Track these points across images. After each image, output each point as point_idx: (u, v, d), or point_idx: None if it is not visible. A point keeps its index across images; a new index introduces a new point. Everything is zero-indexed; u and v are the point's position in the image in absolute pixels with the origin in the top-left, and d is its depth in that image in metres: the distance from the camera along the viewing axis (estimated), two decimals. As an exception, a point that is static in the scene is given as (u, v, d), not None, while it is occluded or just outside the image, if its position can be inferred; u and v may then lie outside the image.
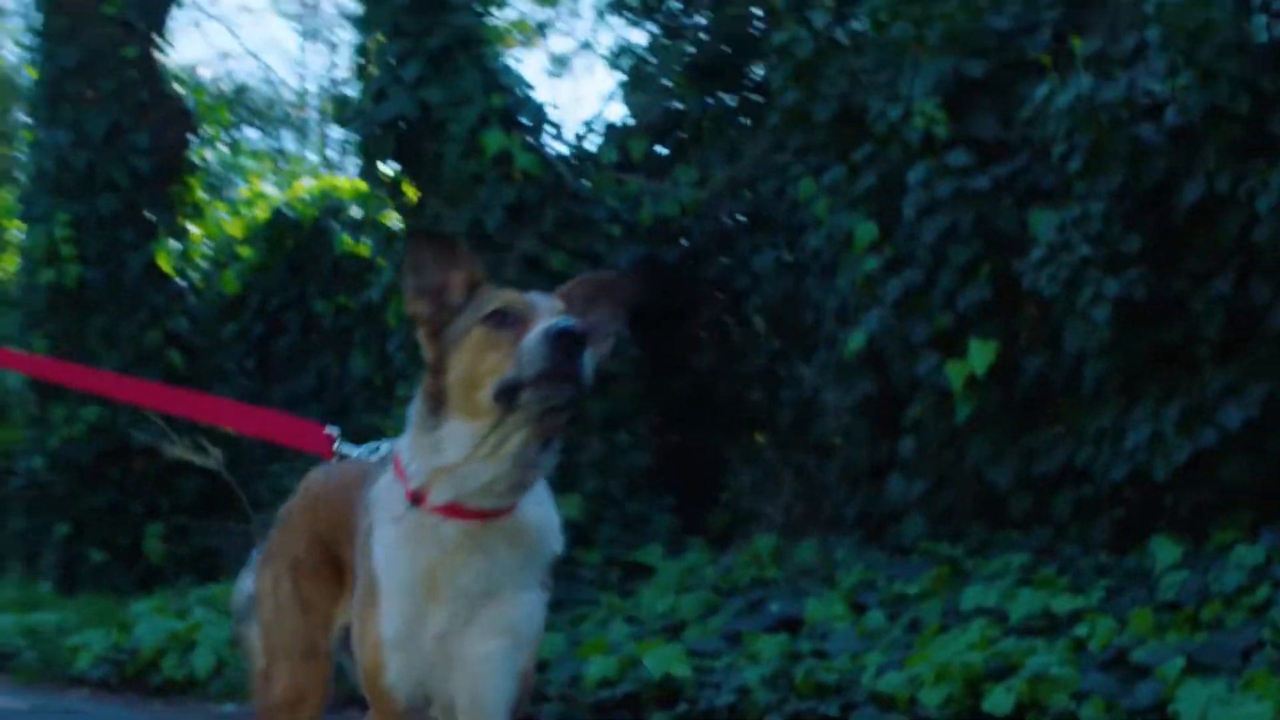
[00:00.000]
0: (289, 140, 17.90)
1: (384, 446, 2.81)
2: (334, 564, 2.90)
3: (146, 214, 11.35)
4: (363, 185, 10.56)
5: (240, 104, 18.09)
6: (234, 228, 12.63)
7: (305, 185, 12.74)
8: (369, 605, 2.63)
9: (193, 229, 11.87)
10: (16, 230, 12.12)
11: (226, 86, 18.62)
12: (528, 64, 22.10)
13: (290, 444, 3.12)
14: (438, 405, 2.56)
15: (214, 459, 9.12)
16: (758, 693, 5.86)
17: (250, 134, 18.70)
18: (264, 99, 18.42)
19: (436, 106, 8.53)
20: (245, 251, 12.56)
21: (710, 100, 9.72)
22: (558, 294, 2.68)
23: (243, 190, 14.05)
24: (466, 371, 2.53)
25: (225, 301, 12.30)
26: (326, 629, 2.92)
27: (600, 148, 9.79)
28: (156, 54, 11.55)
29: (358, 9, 9.23)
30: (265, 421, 3.21)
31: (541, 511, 2.65)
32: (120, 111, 11.27)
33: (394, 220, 9.43)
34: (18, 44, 14.97)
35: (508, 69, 8.82)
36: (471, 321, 2.56)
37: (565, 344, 2.43)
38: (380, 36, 8.74)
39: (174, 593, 9.55)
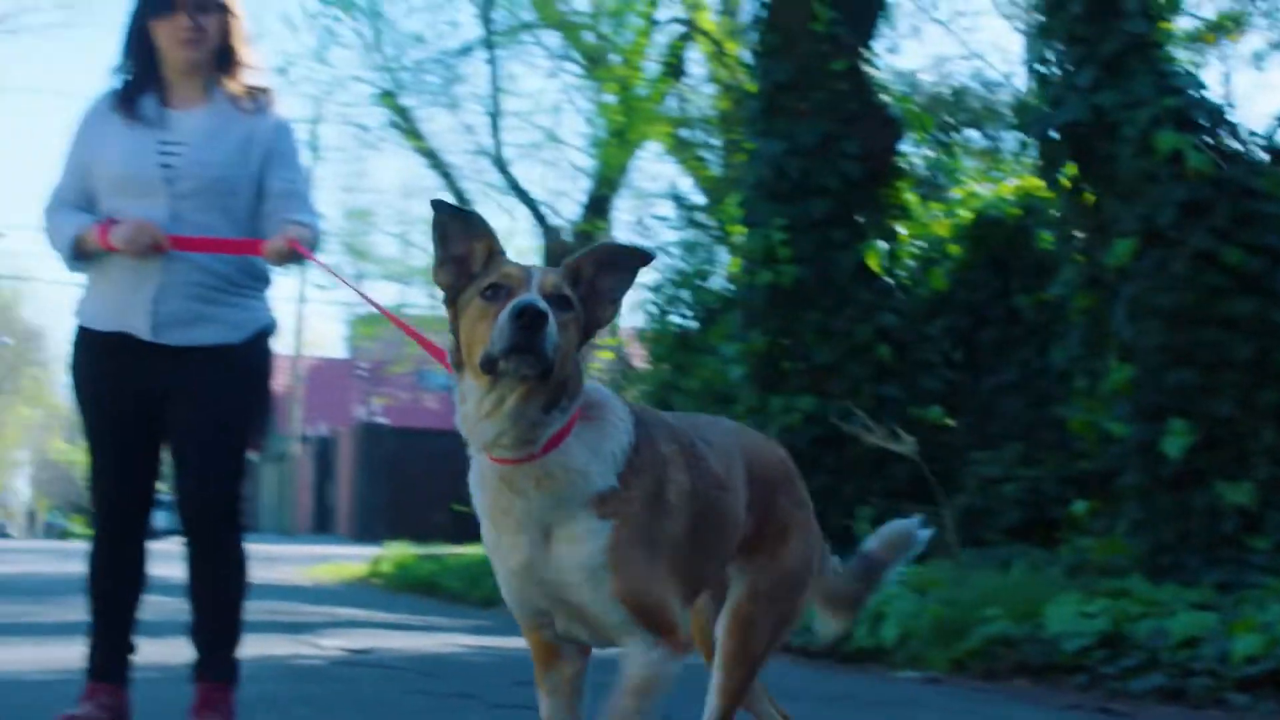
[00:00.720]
0: (1010, 140, 18.16)
1: None
2: None
3: (856, 216, 12.05)
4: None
5: (959, 107, 18.58)
6: (941, 227, 13.09)
7: (1010, 185, 13.01)
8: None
9: (900, 230, 12.45)
10: (739, 235, 13.08)
11: (944, 90, 19.18)
12: (1218, 58, 21.14)
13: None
14: (459, 365, 2.87)
15: (908, 446, 9.62)
16: None
17: (973, 134, 19.14)
18: (983, 100, 18.80)
19: (1110, 110, 8.64)
20: (953, 250, 13.00)
21: None
22: (569, 264, 2.90)
23: (956, 190, 14.49)
24: (466, 339, 2.83)
25: (933, 297, 12.79)
26: None
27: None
28: (865, 66, 12.22)
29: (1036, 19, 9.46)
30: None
31: (581, 455, 2.88)
32: (831, 121, 12.03)
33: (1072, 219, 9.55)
34: (739, 63, 16.13)
35: (1181, 72, 8.78)
36: (475, 292, 2.86)
37: (526, 320, 2.66)
38: (1056, 44, 8.95)
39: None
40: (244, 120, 4.73)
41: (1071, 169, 9.13)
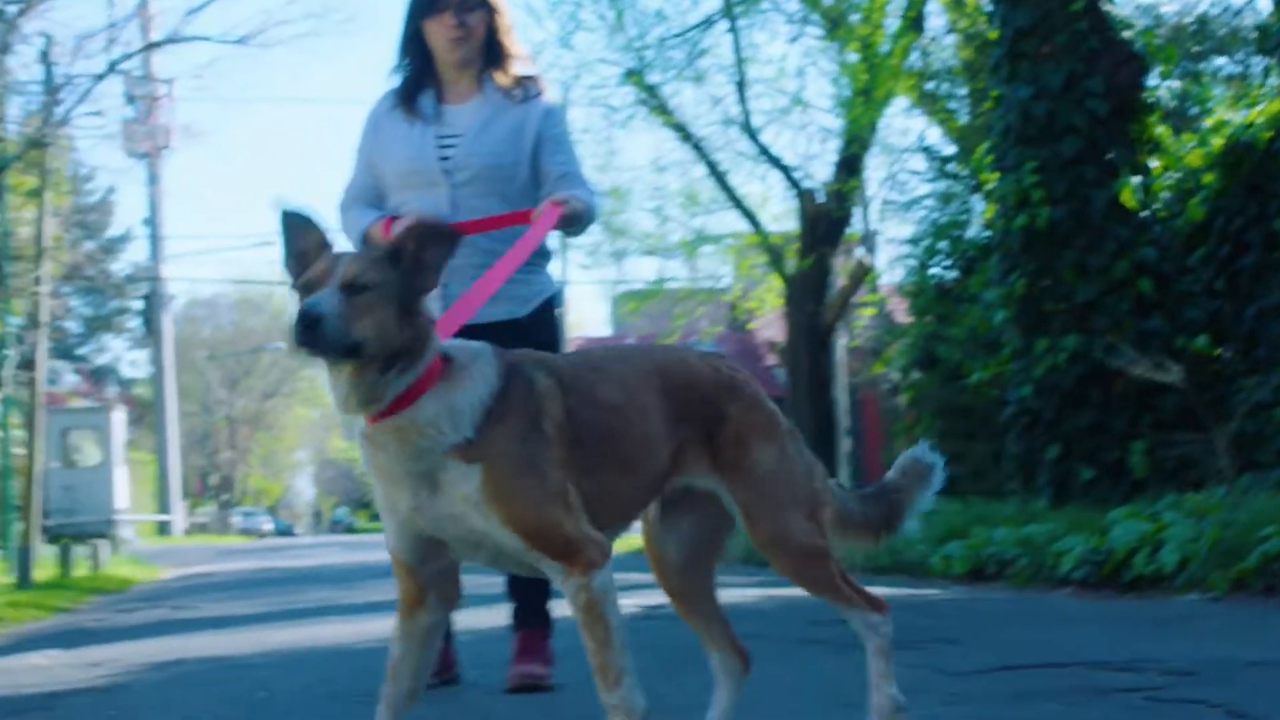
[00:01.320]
0: (1259, 65, 17.79)
1: None
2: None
3: (1107, 154, 12.14)
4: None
5: (1204, 35, 18.30)
6: (1194, 157, 13.05)
7: (1261, 109, 12.88)
8: None
9: (1153, 163, 12.48)
10: (992, 182, 13.24)
11: (1188, 19, 18.90)
12: None
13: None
14: None
15: (1174, 375, 9.76)
16: None
17: (1220, 62, 18.84)
18: (1228, 26, 18.46)
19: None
20: (1208, 179, 12.94)
21: None
22: (393, 242, 3.29)
23: (1207, 119, 14.37)
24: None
25: (1191, 228, 12.77)
26: None
27: None
28: (1104, 4, 12.29)
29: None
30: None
31: (431, 409, 3.20)
32: (1074, 61, 12.15)
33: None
34: (980, 12, 16.21)
35: None
36: (296, 288, 3.24)
37: (304, 322, 3.04)
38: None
39: (1147, 500, 10.26)
40: (514, 109, 5.01)
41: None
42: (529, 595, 5.07)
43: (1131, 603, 8.24)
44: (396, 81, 5.16)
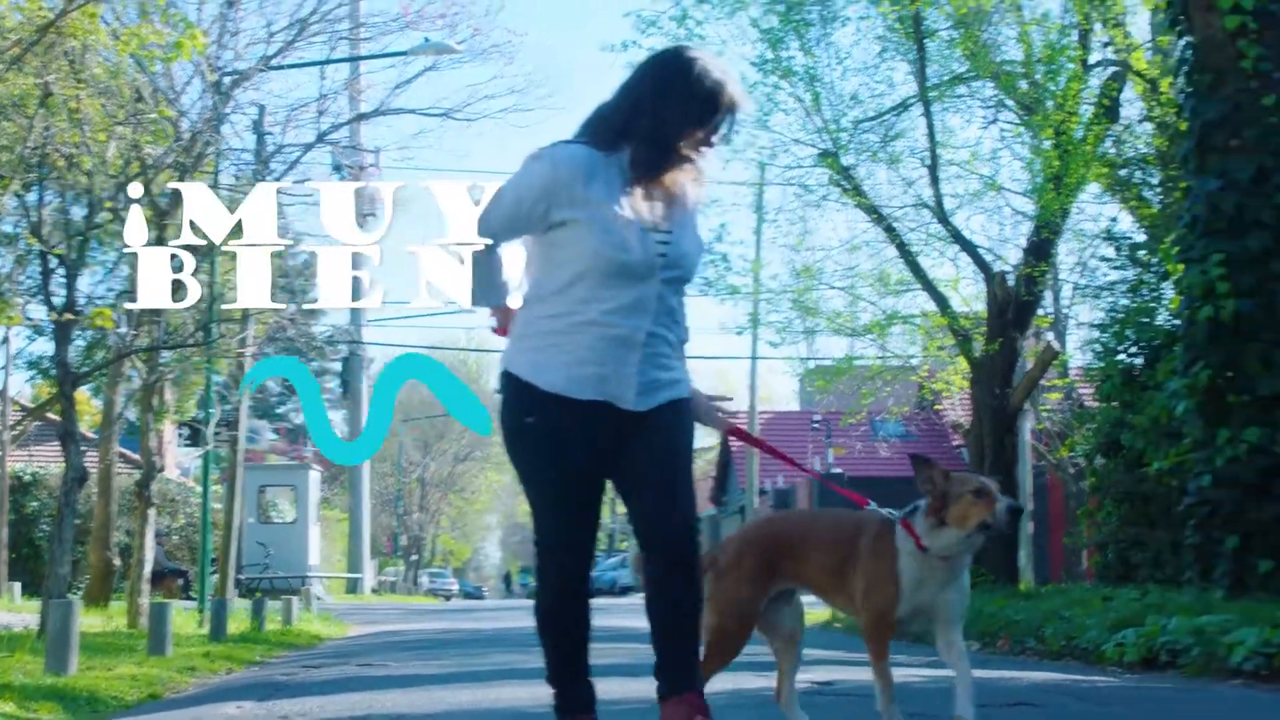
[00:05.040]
0: None
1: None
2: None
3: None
4: None
5: None
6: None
7: None
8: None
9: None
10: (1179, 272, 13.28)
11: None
12: None
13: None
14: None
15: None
16: None
17: None
18: None
19: None
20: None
21: None
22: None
23: None
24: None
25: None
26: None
27: None
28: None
29: None
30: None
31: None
32: (1264, 155, 12.19)
33: None
34: (1171, 102, 16.25)
35: None
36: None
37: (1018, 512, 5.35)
38: None
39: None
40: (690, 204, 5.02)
41: None
42: (682, 657, 4.85)
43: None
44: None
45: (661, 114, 4.71)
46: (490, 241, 4.91)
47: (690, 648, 4.84)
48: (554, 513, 4.81)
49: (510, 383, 4.84)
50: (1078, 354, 25.45)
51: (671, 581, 4.78)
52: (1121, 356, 17.86)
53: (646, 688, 4.90)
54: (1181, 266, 12.84)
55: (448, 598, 60.14)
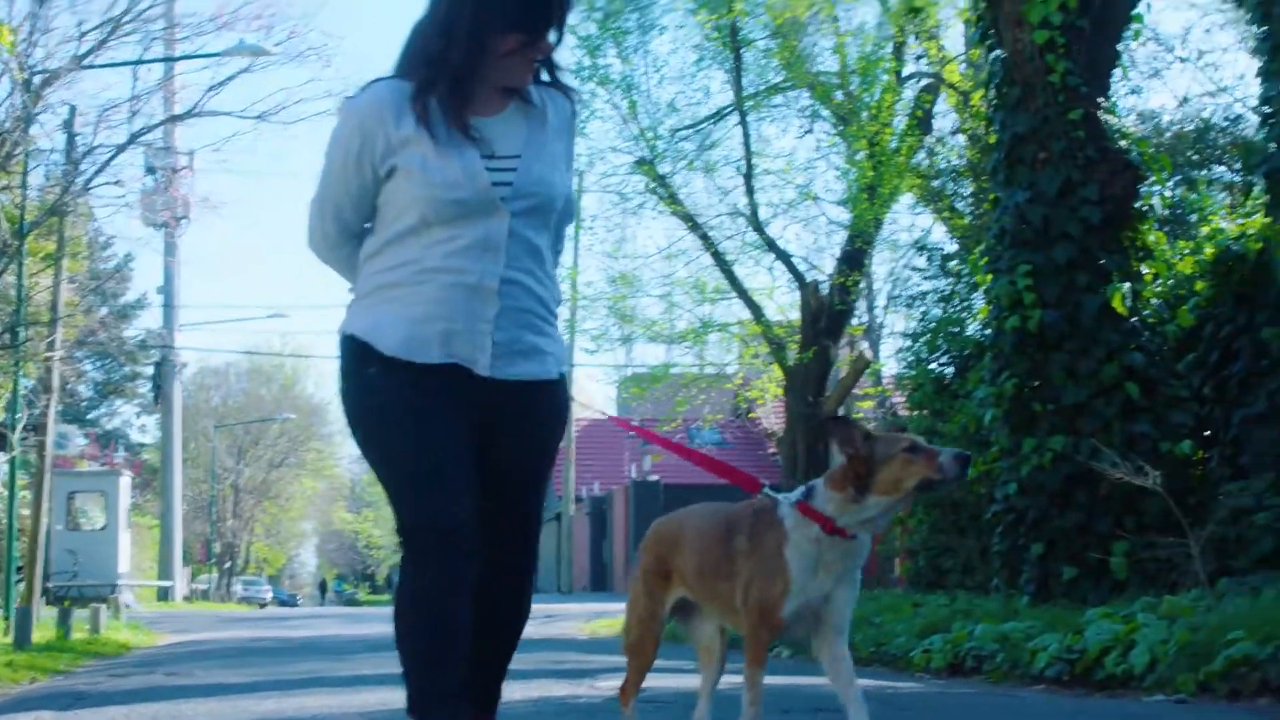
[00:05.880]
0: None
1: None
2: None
3: (1099, 260, 12.38)
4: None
5: (1204, 143, 18.62)
6: (1186, 265, 13.31)
7: (1253, 219, 13.15)
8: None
9: (1144, 270, 12.73)
10: (987, 282, 13.48)
11: (1189, 127, 19.23)
12: None
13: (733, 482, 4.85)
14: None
15: (1152, 480, 9.94)
16: None
17: (1221, 169, 19.14)
18: (1229, 134, 18.77)
19: (1334, 141, 8.95)
20: (1199, 286, 13.20)
21: None
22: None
23: (1203, 226, 14.63)
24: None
25: (1181, 334, 13.01)
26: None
27: None
28: (1101, 113, 12.59)
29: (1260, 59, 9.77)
30: (723, 470, 4.93)
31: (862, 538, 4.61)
32: (1070, 169, 12.42)
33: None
34: (983, 114, 16.51)
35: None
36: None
37: (966, 462, 4.54)
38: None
39: (1124, 601, 10.42)
40: (547, 123, 4.32)
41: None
42: (492, 676, 4.37)
43: (1100, 701, 8.39)
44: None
45: (477, 16, 4.01)
46: (333, 249, 4.26)
47: (501, 666, 4.33)
48: (418, 459, 3.99)
49: (347, 346, 4.13)
50: (891, 362, 25.83)
51: (500, 595, 4.21)
52: (933, 365, 18.09)
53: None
54: (990, 277, 13.01)
55: (262, 605, 59.32)
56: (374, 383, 4.05)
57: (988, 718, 7.50)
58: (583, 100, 4.58)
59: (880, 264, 23.89)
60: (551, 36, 4.10)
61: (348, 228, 4.20)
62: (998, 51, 13.00)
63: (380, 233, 4.12)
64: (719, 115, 21.26)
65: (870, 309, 26.18)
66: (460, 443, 4.02)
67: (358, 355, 4.08)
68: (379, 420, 4.06)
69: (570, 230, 4.55)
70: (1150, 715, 7.43)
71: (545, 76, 4.22)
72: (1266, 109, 9.66)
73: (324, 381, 79.54)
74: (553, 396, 4.21)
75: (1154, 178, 12.85)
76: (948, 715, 7.63)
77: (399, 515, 4.02)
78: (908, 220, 41.97)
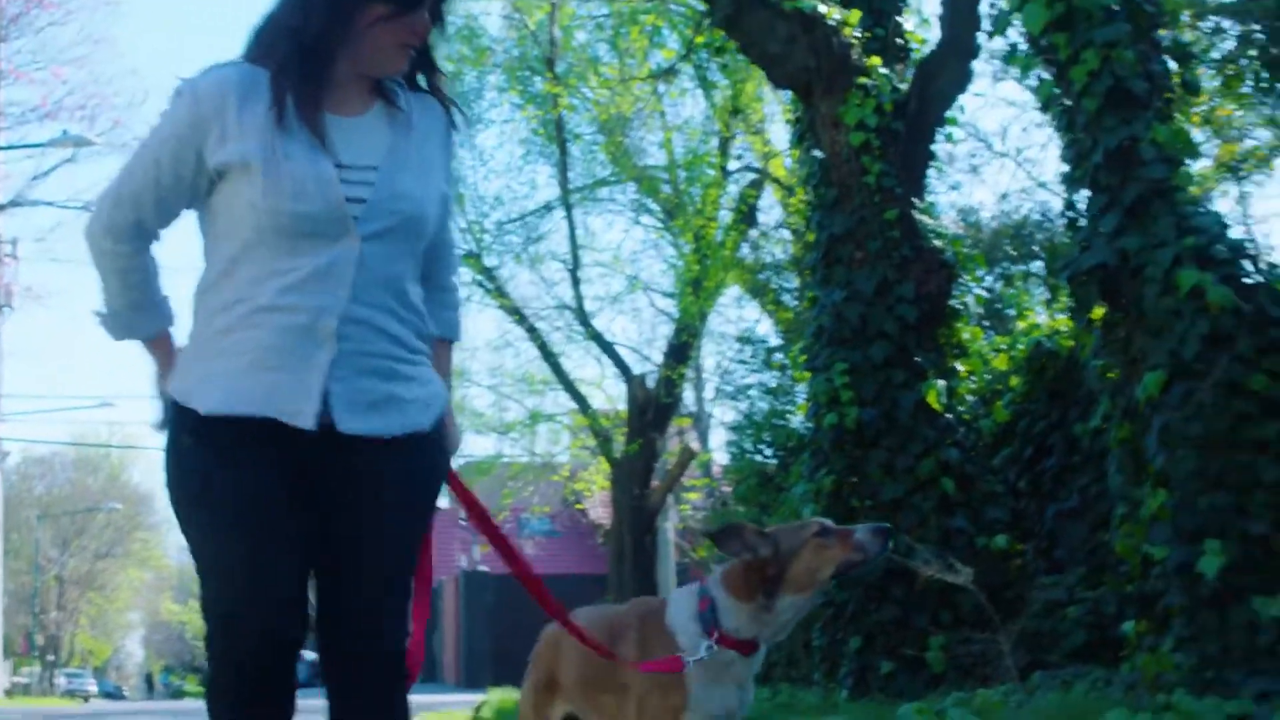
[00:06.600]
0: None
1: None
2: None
3: (915, 357, 12.60)
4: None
5: (1021, 238, 19.12)
6: (1001, 361, 13.62)
7: (1063, 318, 13.52)
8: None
9: (959, 367, 12.99)
10: (802, 381, 13.67)
11: (1008, 223, 19.73)
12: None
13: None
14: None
15: (964, 576, 10.09)
16: None
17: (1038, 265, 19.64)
18: (1046, 230, 19.29)
19: (1134, 252, 9.20)
20: (1014, 382, 13.51)
21: None
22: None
23: (1021, 321, 15.01)
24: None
25: (997, 429, 13.29)
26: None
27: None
28: (915, 214, 12.87)
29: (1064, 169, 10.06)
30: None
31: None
32: (886, 268, 12.66)
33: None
34: (800, 211, 16.83)
35: (1201, 212, 9.27)
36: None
37: (888, 536, 4.27)
38: (1082, 192, 9.57)
39: (938, 695, 10.53)
40: (415, 130, 3.71)
41: (1100, 310, 9.67)
42: None
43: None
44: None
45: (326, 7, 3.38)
46: (116, 242, 3.48)
47: None
48: (232, 543, 3.32)
49: (168, 413, 3.47)
50: (720, 453, 26.01)
51: (366, 702, 3.44)
52: (758, 458, 18.24)
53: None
54: (809, 375, 13.16)
55: (86, 699, 57.71)
56: (187, 455, 3.40)
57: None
58: (466, 121, 3.64)
59: (710, 355, 24.16)
60: (426, 18, 3.49)
61: (141, 225, 3.47)
62: (815, 152, 13.23)
63: (212, 261, 3.47)
64: (546, 208, 21.41)
65: (699, 400, 26.34)
66: (282, 531, 3.34)
67: (175, 422, 3.44)
68: (190, 504, 3.40)
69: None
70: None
71: (423, 83, 3.64)
72: (1069, 214, 9.94)
73: (151, 470, 77.95)
74: (419, 453, 3.50)
75: (968, 276, 13.13)
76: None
77: (206, 592, 3.39)
78: (735, 313, 42.73)
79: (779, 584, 3.97)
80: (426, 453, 3.54)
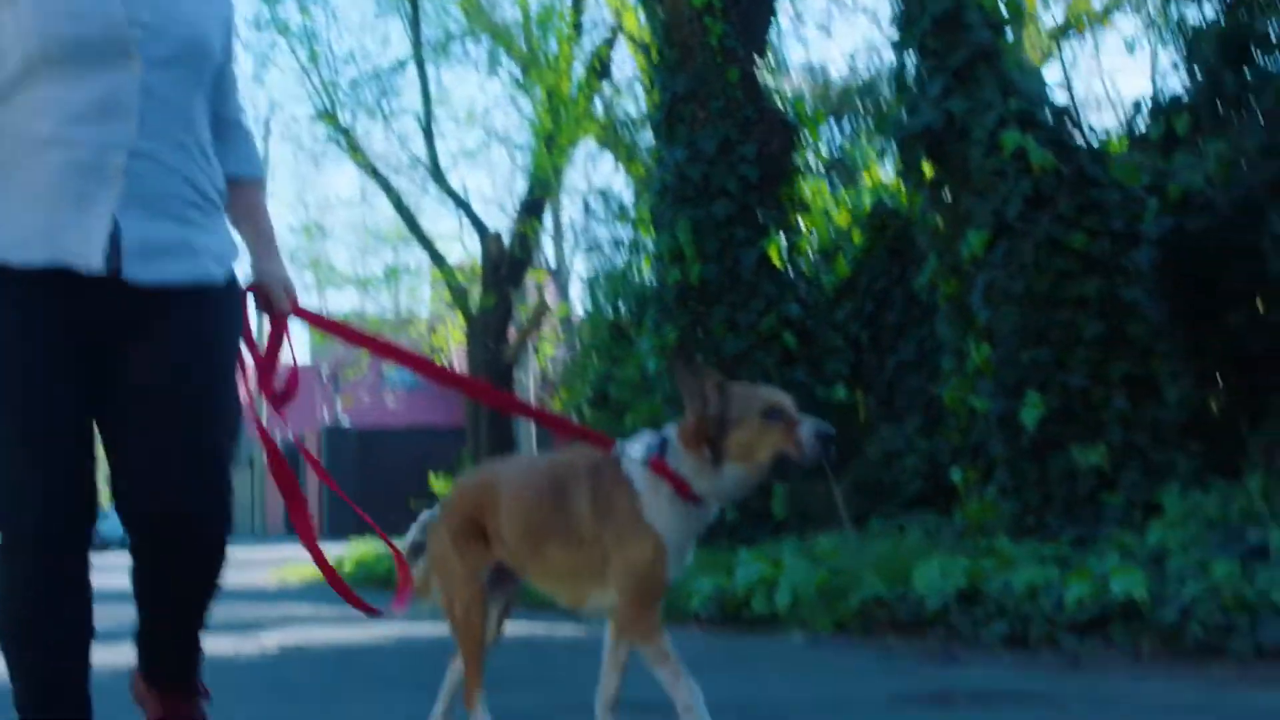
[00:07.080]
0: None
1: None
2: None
3: (757, 215, 12.88)
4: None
5: (868, 96, 19.38)
6: (842, 218, 13.93)
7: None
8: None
9: (801, 224, 13.29)
10: (649, 237, 13.90)
11: (855, 81, 20.00)
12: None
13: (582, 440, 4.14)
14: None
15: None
16: (1200, 606, 6.57)
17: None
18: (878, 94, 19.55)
19: (960, 115, 9.51)
20: (856, 237, 13.83)
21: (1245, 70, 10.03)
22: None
23: (865, 178, 15.30)
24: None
25: (839, 284, 13.63)
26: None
27: (1148, 126, 10.38)
28: (758, 73, 13.06)
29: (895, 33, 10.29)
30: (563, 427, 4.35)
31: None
32: (728, 128, 12.86)
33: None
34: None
35: (1025, 75, 9.58)
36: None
37: (829, 437, 3.75)
38: (911, 55, 9.85)
39: (773, 542, 10.95)
40: None
41: (929, 169, 9.99)
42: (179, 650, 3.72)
43: (748, 640, 8.79)
44: None
45: None
46: None
47: (188, 630, 3.60)
48: (14, 415, 3.11)
49: None
50: (579, 306, 26.25)
51: (179, 546, 3.30)
52: (610, 311, 18.47)
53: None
54: (654, 231, 13.38)
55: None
56: None
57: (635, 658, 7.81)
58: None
59: (569, 210, 24.28)
60: None
61: None
62: (658, 11, 13.32)
63: None
64: (399, 65, 21.27)
65: (559, 254, 26.52)
66: (67, 397, 3.15)
67: None
68: None
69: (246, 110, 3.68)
70: (785, 655, 7.87)
71: None
72: (897, 77, 10.21)
73: None
74: (215, 304, 3.31)
75: (810, 135, 13.37)
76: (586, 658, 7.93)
77: None
78: (592, 169, 42.76)
79: (721, 447, 3.75)
80: (220, 306, 3.33)
